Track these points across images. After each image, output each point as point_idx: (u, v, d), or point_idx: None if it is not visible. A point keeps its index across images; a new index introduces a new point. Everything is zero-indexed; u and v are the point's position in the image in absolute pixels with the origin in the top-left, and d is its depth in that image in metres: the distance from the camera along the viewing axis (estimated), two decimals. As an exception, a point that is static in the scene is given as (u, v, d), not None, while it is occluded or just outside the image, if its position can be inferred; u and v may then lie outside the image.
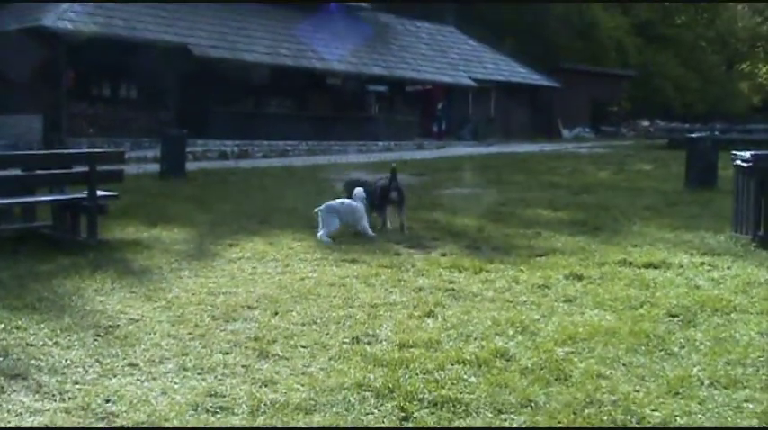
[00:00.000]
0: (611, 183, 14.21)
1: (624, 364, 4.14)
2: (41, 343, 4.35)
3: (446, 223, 8.91)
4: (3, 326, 4.59)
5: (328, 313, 5.08)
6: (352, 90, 27.64)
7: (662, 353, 4.33)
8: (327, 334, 4.64)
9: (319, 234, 7.65)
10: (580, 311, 5.21)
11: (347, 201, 8.01)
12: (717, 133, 17.78)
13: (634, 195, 11.85)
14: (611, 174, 16.18)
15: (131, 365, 4.05)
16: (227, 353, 4.26)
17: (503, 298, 5.55)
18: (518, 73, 35.63)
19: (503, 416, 3.47)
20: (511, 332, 4.69)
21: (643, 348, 4.39)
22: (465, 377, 3.91)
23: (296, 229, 8.23)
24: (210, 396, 3.62)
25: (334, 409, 3.50)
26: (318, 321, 4.90)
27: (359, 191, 8.05)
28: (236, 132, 22.15)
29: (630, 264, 6.64)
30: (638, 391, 3.75)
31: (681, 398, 3.67)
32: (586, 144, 30.44)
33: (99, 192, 7.44)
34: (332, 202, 7.91)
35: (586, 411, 3.50)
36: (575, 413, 3.48)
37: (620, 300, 5.46)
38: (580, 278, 6.12)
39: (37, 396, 3.61)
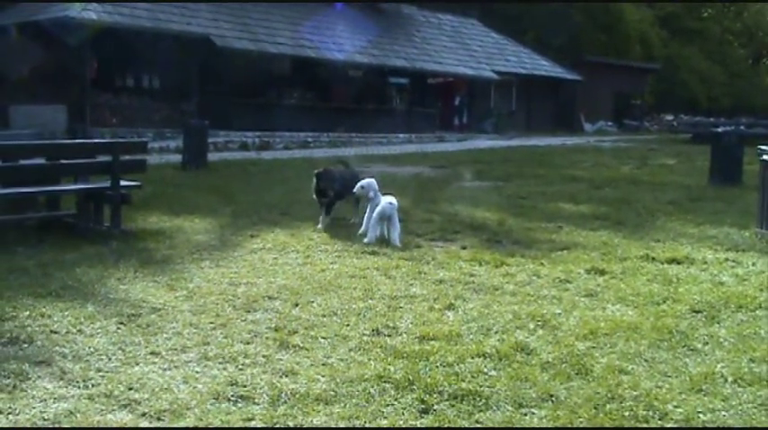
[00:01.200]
0: (634, 177, 14.08)
1: (646, 360, 4.10)
2: (65, 330, 4.39)
3: (467, 216, 8.88)
4: (28, 313, 4.64)
5: (349, 305, 5.09)
6: (373, 82, 27.62)
7: (685, 349, 4.29)
8: (348, 325, 4.65)
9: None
10: (602, 306, 5.17)
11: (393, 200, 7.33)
12: (742, 128, 17.57)
13: (657, 190, 11.74)
14: (634, 169, 16.04)
15: (153, 354, 4.08)
16: (248, 343, 4.28)
17: (523, 291, 5.52)
18: (541, 66, 35.42)
19: (523, 410, 3.46)
20: (532, 326, 4.67)
21: (665, 344, 4.35)
22: (485, 370, 3.90)
23: (317, 221, 8.23)
24: (231, 385, 3.64)
25: (353, 401, 3.50)
26: (339, 313, 4.91)
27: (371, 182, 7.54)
28: (257, 123, 22.22)
29: (653, 259, 6.58)
30: (660, 387, 3.72)
31: (704, 395, 3.63)
32: (609, 138, 30.20)
33: (122, 182, 7.49)
34: (385, 204, 7.22)
35: (608, 406, 3.48)
36: (596, 408, 3.46)
37: (643, 295, 5.42)
38: (602, 272, 6.08)
39: (61, 382, 3.65)
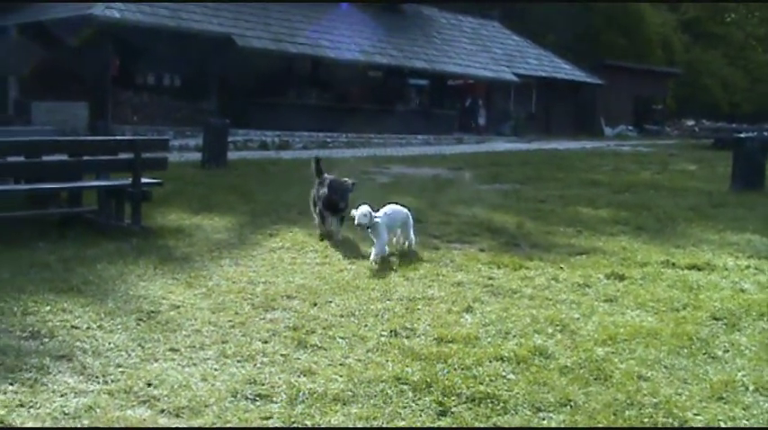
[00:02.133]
0: (654, 182, 13.98)
1: (666, 367, 4.08)
2: (86, 325, 4.43)
3: (485, 219, 8.85)
4: (49, 308, 4.69)
5: (366, 305, 5.09)
6: (392, 83, 27.63)
7: (705, 356, 4.26)
8: (365, 326, 4.65)
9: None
10: (621, 311, 5.14)
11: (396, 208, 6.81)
12: (765, 134, 17.36)
13: (678, 195, 11.65)
14: (654, 174, 15.92)
15: (173, 350, 4.10)
16: (267, 342, 4.30)
17: (542, 295, 5.50)
18: (561, 69, 35.26)
19: (541, 415, 3.45)
20: (550, 330, 4.65)
21: (686, 351, 4.32)
22: (503, 374, 3.89)
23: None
24: (250, 383, 3.66)
25: (371, 402, 3.51)
26: (357, 313, 4.91)
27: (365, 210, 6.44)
28: (276, 123, 22.29)
29: (673, 265, 6.54)
30: (680, 394, 3.69)
31: (724, 403, 3.60)
32: (629, 142, 30.00)
33: (143, 180, 7.54)
34: (391, 210, 6.70)
35: (627, 412, 3.46)
36: (615, 414, 3.44)
37: (663, 301, 5.38)
38: (621, 278, 6.04)
39: (81, 377, 3.68)
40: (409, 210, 6.92)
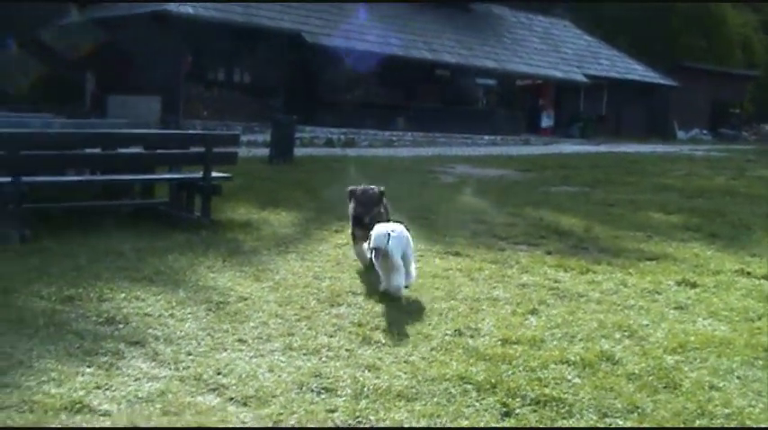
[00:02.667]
0: (729, 188, 13.55)
1: (739, 377, 3.96)
2: (158, 313, 4.56)
3: (552, 221, 8.74)
4: (123, 295, 4.84)
5: (431, 304, 5.09)
6: (460, 82, 27.52)
7: (781, 368, 4.11)
8: (430, 324, 4.65)
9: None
10: (692, 319, 5.01)
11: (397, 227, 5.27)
12: None
13: (754, 202, 11.26)
14: (730, 179, 15.43)
15: (240, 341, 4.19)
16: (332, 337, 4.34)
17: (610, 300, 5.40)
18: (634, 70, 34.53)
19: (607, 420, 3.39)
20: (618, 336, 4.57)
21: (760, 362, 4.18)
22: (569, 378, 3.84)
23: (399, 219, 8.24)
24: (315, 376, 3.70)
25: (435, 399, 3.51)
26: (421, 311, 4.92)
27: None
28: (343, 120, 22.48)
29: (748, 274, 6.33)
30: (753, 406, 3.58)
31: (801, 418, 3.48)
32: (703, 147, 29.15)
33: (214, 174, 7.71)
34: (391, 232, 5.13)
35: (697, 422, 3.37)
36: (684, 423, 3.36)
37: (737, 310, 5.22)
38: (693, 285, 5.89)
39: (153, 363, 3.80)
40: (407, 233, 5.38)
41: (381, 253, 4.96)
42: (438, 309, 5.00)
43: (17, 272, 5.30)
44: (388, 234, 4.98)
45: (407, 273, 5.25)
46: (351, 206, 6.02)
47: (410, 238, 5.36)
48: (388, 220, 5.81)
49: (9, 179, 6.37)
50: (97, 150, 7.94)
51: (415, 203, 9.49)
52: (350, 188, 6.14)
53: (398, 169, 14.44)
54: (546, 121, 30.65)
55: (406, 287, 5.24)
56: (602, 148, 24.48)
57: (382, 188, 6.12)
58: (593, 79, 31.14)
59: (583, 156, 19.97)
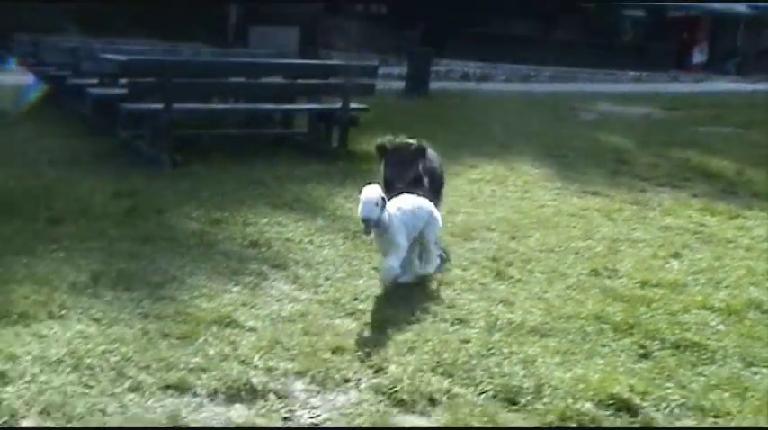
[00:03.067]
0: None
1: None
2: (298, 239, 4.74)
3: (699, 163, 8.27)
4: (266, 220, 5.05)
5: (567, 243, 5.00)
6: (605, 13, 26.18)
7: None
8: (565, 263, 4.58)
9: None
10: None
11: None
12: None
13: None
14: None
15: (376, 269, 4.27)
16: (465, 270, 4.36)
17: (761, 247, 5.11)
18: (803, 0, 31.54)
19: (753, 369, 3.25)
20: (768, 284, 4.33)
21: None
22: (712, 324, 3.69)
23: (536, 157, 8.11)
24: (449, 308, 3.75)
25: (569, 337, 3.47)
26: (557, 250, 4.84)
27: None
28: (479, 54, 22.02)
29: None
30: None
31: None
32: None
33: (351, 105, 7.80)
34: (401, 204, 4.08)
35: None
36: (840, 380, 3.16)
37: None
38: None
39: (294, 286, 3.97)
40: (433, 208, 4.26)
41: (372, 227, 3.81)
42: (574, 247, 4.90)
43: (169, 194, 5.64)
44: (382, 199, 3.82)
45: (427, 260, 4.13)
46: (380, 168, 4.61)
47: (435, 214, 4.19)
48: (439, 187, 4.74)
49: (162, 106, 6.71)
50: (240, 80, 8.22)
51: (553, 140, 9.26)
52: (379, 142, 4.72)
53: (535, 105, 14.06)
54: (698, 57, 28.69)
55: (426, 276, 4.06)
56: (761, 87, 22.75)
57: (423, 142, 4.70)
58: (756, 10, 28.71)
59: (738, 95, 18.65)
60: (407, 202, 4.10)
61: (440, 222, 4.27)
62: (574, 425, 2.75)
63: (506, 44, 23.08)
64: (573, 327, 3.57)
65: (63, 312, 3.40)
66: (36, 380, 2.80)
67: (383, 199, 3.84)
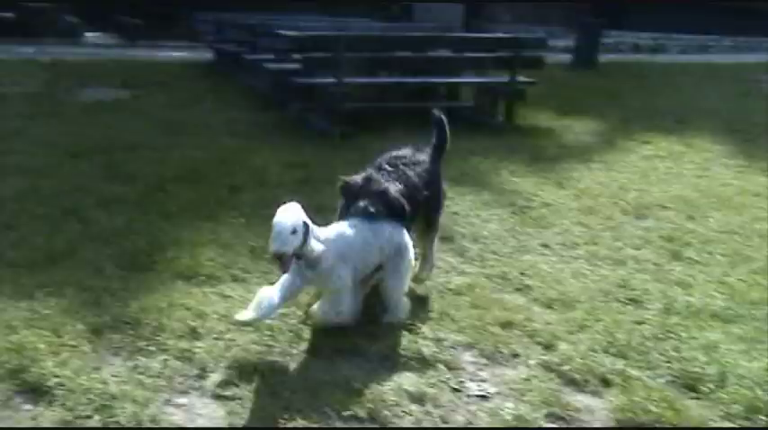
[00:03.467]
0: None
1: None
2: (464, 213, 4.74)
3: None
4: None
5: (751, 224, 4.69)
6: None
7: None
8: (750, 245, 4.29)
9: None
10: None
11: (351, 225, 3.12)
12: None
13: None
14: None
15: (544, 245, 4.22)
16: (638, 249, 4.20)
17: None
18: None
19: None
20: None
21: None
22: None
23: (716, 132, 7.62)
24: (621, 287, 3.63)
25: (755, 324, 3.26)
26: (739, 231, 4.55)
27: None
28: (652, 24, 20.90)
29: None
30: None
31: None
32: None
33: (519, 78, 7.66)
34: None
35: None
36: None
37: None
38: None
39: (461, 259, 3.98)
40: (405, 222, 3.24)
41: (288, 263, 2.80)
42: (759, 229, 4.58)
43: (339, 165, 5.78)
44: (304, 225, 2.82)
45: (391, 306, 3.14)
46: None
47: (404, 241, 3.14)
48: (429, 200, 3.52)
49: (333, 80, 6.91)
50: (407, 53, 8.28)
51: (734, 115, 8.67)
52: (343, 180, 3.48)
53: (714, 77, 13.17)
54: None
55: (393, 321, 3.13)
56: None
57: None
58: None
59: None
60: (352, 228, 3.06)
61: (412, 259, 3.17)
62: (763, 418, 2.58)
63: (681, 13, 21.73)
64: (760, 314, 3.35)
65: (245, 275, 3.61)
66: (222, 337, 3.00)
67: (305, 224, 2.83)
